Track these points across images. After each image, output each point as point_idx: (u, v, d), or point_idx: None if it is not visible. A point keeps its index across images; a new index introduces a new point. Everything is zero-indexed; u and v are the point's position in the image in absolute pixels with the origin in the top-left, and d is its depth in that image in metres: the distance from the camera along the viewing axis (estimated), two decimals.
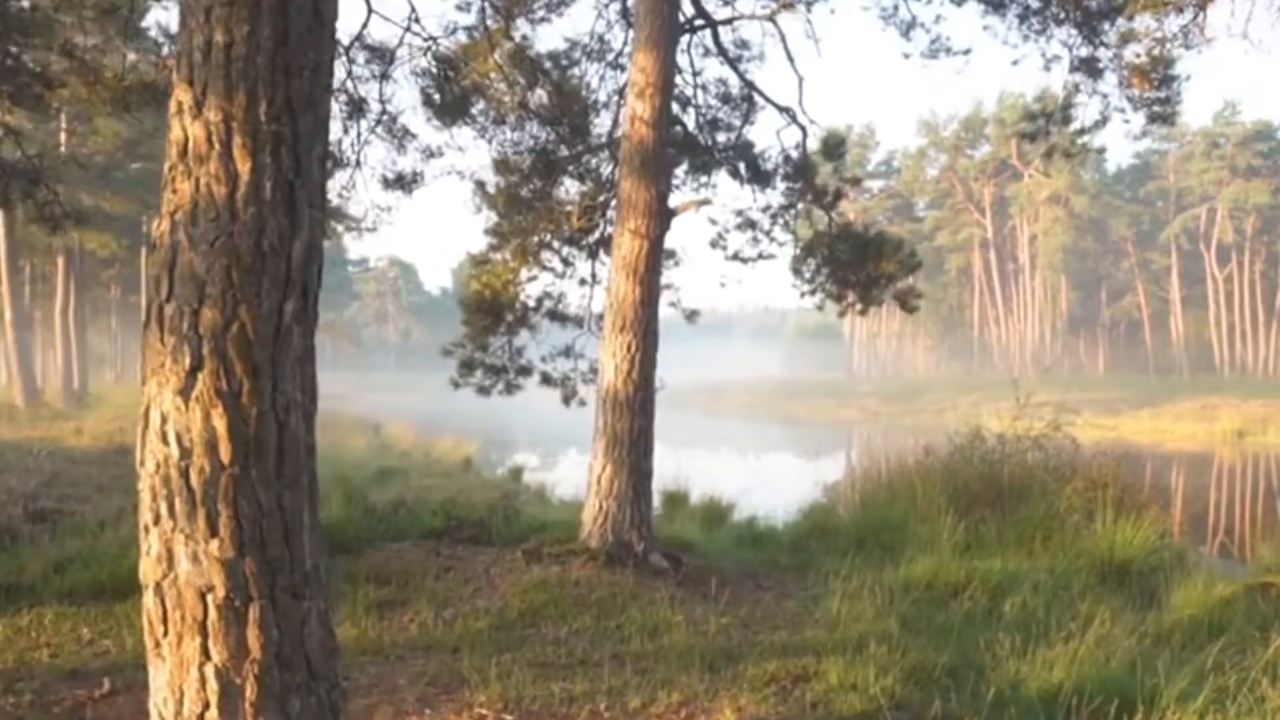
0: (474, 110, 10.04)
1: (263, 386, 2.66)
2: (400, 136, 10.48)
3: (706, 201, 8.81)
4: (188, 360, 2.62)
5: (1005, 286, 79.35)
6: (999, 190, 77.57)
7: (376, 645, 5.08)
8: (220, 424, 2.61)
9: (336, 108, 9.59)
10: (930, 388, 66.47)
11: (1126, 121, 8.71)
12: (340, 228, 11.78)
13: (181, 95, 2.72)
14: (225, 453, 2.61)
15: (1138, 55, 8.12)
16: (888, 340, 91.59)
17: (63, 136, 28.84)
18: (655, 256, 7.67)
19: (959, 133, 78.96)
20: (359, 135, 10.22)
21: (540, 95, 10.38)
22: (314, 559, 2.77)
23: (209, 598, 2.59)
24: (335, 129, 10.26)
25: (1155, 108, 8.43)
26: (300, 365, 2.76)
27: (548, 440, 30.93)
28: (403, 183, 10.82)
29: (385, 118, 10.20)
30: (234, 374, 2.63)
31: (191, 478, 2.61)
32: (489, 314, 10.90)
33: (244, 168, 2.67)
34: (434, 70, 9.87)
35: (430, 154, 10.92)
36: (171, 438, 2.63)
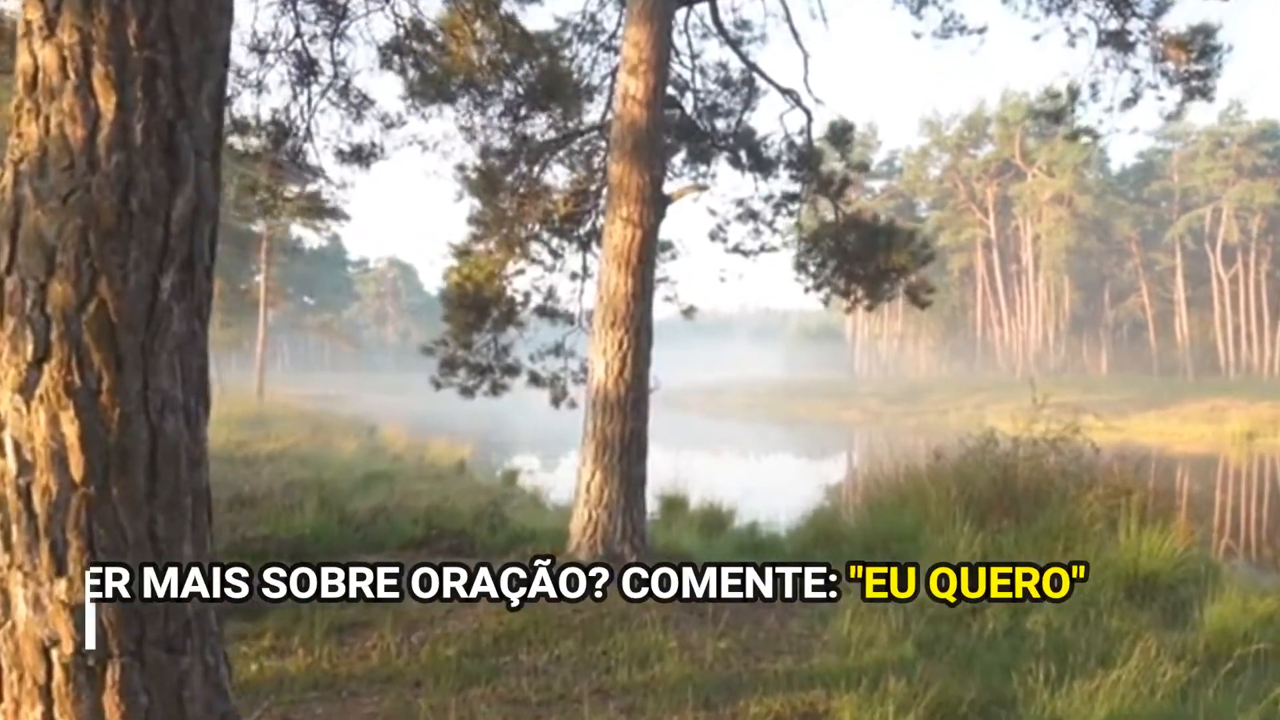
0: (453, 86, 9.26)
1: (128, 382, 2.08)
2: (357, 103, 9.55)
3: (704, 188, 8.27)
4: (31, 349, 2.05)
5: (1008, 287, 78.80)
6: (1002, 190, 77.06)
7: (330, 677, 4.52)
8: (71, 429, 2.04)
9: (285, 70, 8.81)
10: (933, 388, 65.90)
11: (1160, 99, 8.12)
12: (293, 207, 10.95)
13: (31, 12, 2.14)
14: (77, 467, 2.04)
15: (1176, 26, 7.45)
16: (889, 341, 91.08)
17: None
18: (648, 246, 7.15)
19: (961, 132, 78.53)
20: (310, 101, 9.28)
21: (526, 70, 9.65)
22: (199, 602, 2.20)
23: (54, 654, 2.02)
24: (284, 94, 9.36)
25: (1193, 82, 7.80)
26: (181, 355, 2.18)
27: (548, 442, 30.32)
28: (360, 155, 9.85)
29: (339, 81, 9.29)
30: (90, 366, 2.05)
31: (33, 499, 2.04)
32: (472, 309, 10.26)
33: (107, 104, 2.10)
34: (399, 32, 9.05)
35: (390, 123, 9.92)
36: (9, 448, 2.06)
